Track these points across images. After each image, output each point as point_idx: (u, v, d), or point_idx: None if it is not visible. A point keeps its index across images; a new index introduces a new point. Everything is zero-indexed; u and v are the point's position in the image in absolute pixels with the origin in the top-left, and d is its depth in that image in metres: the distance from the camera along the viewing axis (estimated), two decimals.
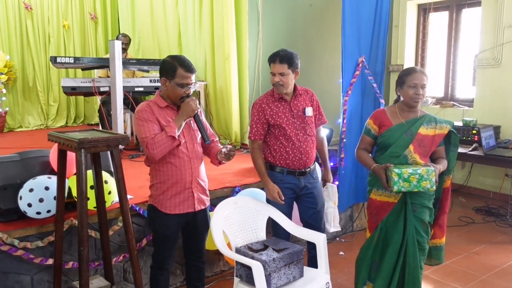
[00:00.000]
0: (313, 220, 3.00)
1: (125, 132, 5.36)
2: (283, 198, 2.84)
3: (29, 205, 2.56)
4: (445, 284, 3.36)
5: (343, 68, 3.82)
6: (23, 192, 2.57)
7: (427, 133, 2.59)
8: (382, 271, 2.65)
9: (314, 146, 2.96)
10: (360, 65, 3.89)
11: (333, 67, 5.28)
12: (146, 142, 2.35)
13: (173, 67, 2.41)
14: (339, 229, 3.30)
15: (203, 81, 5.51)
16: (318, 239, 2.72)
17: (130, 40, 5.83)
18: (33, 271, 2.73)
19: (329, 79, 5.31)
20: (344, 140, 3.90)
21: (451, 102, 5.76)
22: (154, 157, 2.38)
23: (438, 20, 6.03)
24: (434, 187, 2.45)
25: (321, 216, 3.05)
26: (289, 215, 2.96)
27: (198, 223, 2.62)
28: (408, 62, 6.17)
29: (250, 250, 2.59)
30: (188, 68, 2.42)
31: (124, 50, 5.46)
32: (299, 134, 2.87)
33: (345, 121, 3.89)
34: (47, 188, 2.57)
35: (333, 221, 3.17)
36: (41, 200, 2.57)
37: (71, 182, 2.67)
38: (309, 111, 2.91)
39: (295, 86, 2.91)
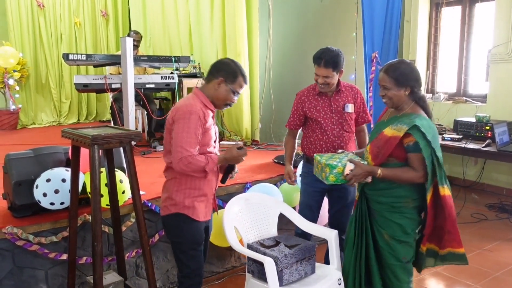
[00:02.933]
0: (340, 214, 3.01)
1: (136, 129, 5.39)
2: (293, 179, 2.95)
3: (44, 194, 2.58)
4: (457, 281, 3.34)
5: (365, 65, 3.84)
6: (40, 181, 2.59)
7: (387, 133, 2.33)
8: (345, 263, 2.61)
9: (351, 142, 2.95)
10: (374, 60, 3.89)
11: (346, 63, 5.25)
12: (182, 154, 2.18)
13: (235, 73, 2.31)
14: None
15: None
16: (330, 235, 2.71)
17: (141, 37, 5.86)
18: (48, 265, 2.76)
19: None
20: None
21: (464, 98, 5.70)
22: (179, 171, 2.26)
23: (451, 15, 5.96)
24: (326, 182, 2.38)
25: (349, 211, 2.99)
26: (316, 208, 2.99)
27: (210, 227, 2.60)
28: (420, 57, 6.12)
29: (262, 246, 2.59)
30: (246, 79, 2.38)
31: (136, 47, 5.49)
32: (335, 129, 2.88)
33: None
34: (63, 180, 2.60)
35: None
36: (56, 192, 2.59)
37: (87, 178, 2.69)
38: (349, 108, 2.90)
39: (338, 81, 2.89)
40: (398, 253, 2.38)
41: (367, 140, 2.98)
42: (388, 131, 2.32)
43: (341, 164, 2.34)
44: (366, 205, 2.50)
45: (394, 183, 2.34)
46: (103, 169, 2.52)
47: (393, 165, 2.33)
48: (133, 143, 4.90)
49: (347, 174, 2.32)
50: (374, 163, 2.36)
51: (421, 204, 2.37)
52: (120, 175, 2.72)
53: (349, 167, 2.32)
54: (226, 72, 2.31)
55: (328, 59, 2.74)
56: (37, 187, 2.60)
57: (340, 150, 2.60)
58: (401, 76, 2.29)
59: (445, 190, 2.28)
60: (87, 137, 2.14)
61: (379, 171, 2.30)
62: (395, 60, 2.46)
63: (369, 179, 2.34)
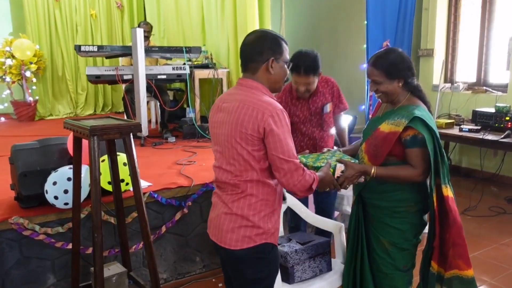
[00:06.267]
0: (323, 204, 3.09)
1: (149, 120, 5.41)
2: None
3: (56, 197, 2.61)
4: None
5: (368, 54, 3.73)
6: (48, 186, 2.61)
7: (384, 129, 2.06)
8: (346, 263, 2.43)
9: (330, 140, 2.96)
10: None
11: (358, 52, 5.14)
12: (297, 170, 1.72)
13: (279, 42, 1.80)
14: None
15: (226, 68, 5.48)
16: (335, 228, 2.65)
17: (151, 27, 5.84)
18: (55, 256, 2.79)
19: (354, 64, 5.18)
20: None
21: (484, 88, 5.51)
22: (287, 189, 1.79)
23: (471, 2, 5.76)
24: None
25: (331, 198, 3.11)
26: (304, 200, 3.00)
27: None
28: (439, 46, 5.94)
29: None
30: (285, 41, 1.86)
31: (146, 38, 5.48)
32: (315, 131, 2.87)
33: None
34: (69, 179, 2.60)
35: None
36: (65, 192, 2.61)
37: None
38: (327, 108, 2.86)
39: None
40: (399, 262, 2.16)
41: (346, 129, 3.02)
42: (385, 127, 2.06)
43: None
44: (363, 211, 2.26)
45: (395, 185, 2.09)
46: (105, 157, 2.52)
47: (392, 164, 2.07)
48: (145, 134, 4.91)
49: (338, 177, 1.99)
50: (372, 164, 2.09)
51: (424, 207, 2.14)
52: (123, 158, 2.70)
53: (340, 168, 2.00)
54: (271, 48, 1.78)
55: (308, 66, 2.58)
56: (47, 192, 2.62)
57: (325, 149, 2.32)
58: (392, 67, 2.03)
59: (448, 191, 2.02)
60: (85, 128, 2.13)
61: (373, 170, 2.02)
62: (382, 50, 2.18)
63: (361, 179, 2.06)
